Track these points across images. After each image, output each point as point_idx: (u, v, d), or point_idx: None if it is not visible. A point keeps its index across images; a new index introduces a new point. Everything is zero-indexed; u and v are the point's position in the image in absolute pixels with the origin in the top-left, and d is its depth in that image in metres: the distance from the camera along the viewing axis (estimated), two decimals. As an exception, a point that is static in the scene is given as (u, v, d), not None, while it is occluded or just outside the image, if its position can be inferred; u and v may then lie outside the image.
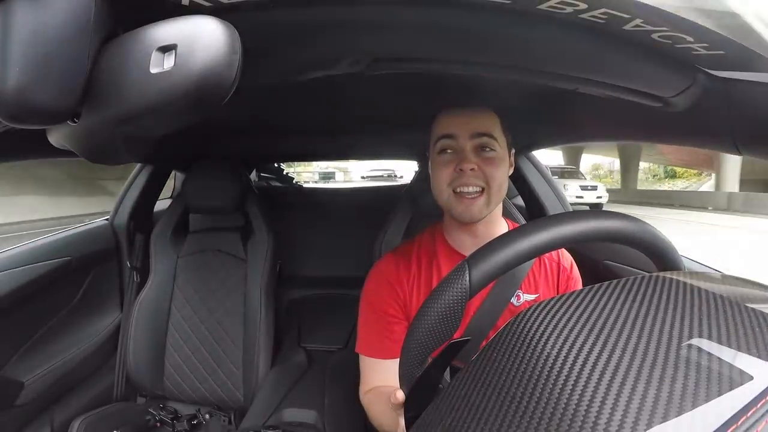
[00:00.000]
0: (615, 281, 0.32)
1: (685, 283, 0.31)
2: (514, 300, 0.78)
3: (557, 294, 0.81)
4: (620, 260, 1.10)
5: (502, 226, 0.81)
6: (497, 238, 0.43)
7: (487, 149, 0.72)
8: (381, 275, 0.81)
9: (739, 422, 0.19)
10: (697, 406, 0.20)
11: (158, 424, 1.31)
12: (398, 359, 0.78)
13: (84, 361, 1.28)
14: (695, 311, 0.27)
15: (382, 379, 0.77)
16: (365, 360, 0.80)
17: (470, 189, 0.70)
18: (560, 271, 0.82)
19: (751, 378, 0.21)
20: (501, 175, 0.73)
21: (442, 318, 0.40)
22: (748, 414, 0.19)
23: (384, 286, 0.80)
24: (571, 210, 1.39)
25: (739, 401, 0.20)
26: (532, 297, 0.80)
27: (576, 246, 0.51)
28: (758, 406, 0.20)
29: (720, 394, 0.21)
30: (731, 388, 0.21)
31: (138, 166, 1.54)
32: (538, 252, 0.42)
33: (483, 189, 0.71)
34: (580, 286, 0.84)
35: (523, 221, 1.12)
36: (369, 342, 0.80)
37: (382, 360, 0.78)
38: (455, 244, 0.80)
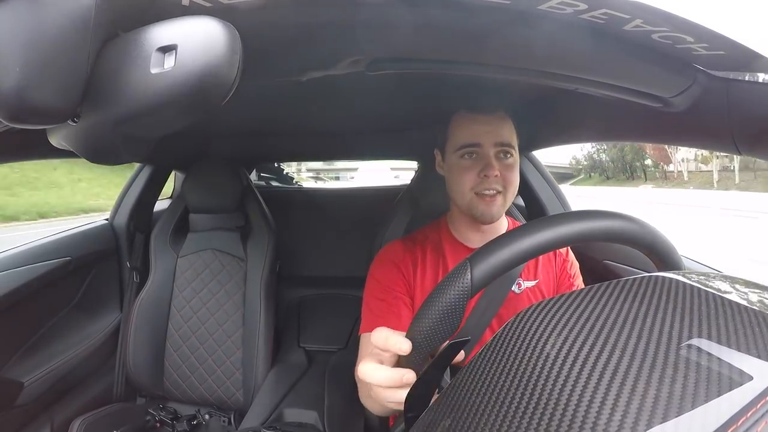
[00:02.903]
0: (615, 281, 0.32)
1: (684, 284, 0.31)
2: (515, 288, 0.80)
3: (556, 279, 0.83)
4: (620, 260, 1.10)
5: (504, 223, 0.85)
6: (499, 237, 0.43)
7: (508, 156, 0.76)
8: (387, 257, 0.83)
9: (739, 422, 0.19)
10: (696, 407, 0.20)
11: (158, 425, 1.31)
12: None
13: (84, 361, 1.27)
14: (695, 311, 0.27)
15: None
16: (364, 337, 0.78)
17: (491, 191, 0.74)
18: (556, 255, 0.84)
19: (751, 378, 0.21)
20: (516, 179, 0.77)
21: (444, 316, 0.40)
22: (748, 414, 0.19)
23: (390, 266, 0.81)
24: (571, 210, 1.39)
25: (739, 401, 0.20)
26: (532, 283, 0.81)
27: (576, 245, 0.51)
28: (758, 406, 0.20)
29: (720, 394, 0.20)
30: (731, 389, 0.21)
31: (138, 166, 1.54)
32: (540, 251, 0.42)
33: (500, 191, 0.75)
34: (577, 268, 0.86)
35: (522, 220, 1.13)
36: (371, 320, 0.79)
37: None
38: (461, 237, 0.83)
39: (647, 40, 0.41)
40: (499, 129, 0.75)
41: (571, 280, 0.84)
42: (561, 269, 0.84)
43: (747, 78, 0.50)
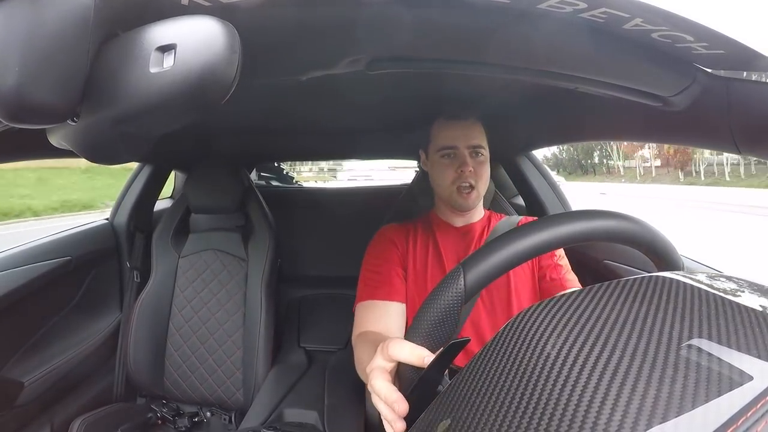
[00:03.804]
0: (615, 281, 0.32)
1: (684, 284, 0.31)
2: None
3: (538, 259, 0.89)
4: (620, 260, 1.10)
5: (479, 211, 0.98)
6: (493, 240, 0.42)
7: (480, 155, 0.90)
8: (382, 235, 0.94)
9: (739, 422, 0.19)
10: (696, 407, 0.20)
11: (159, 422, 1.31)
12: (394, 302, 0.82)
13: (84, 361, 1.27)
14: (695, 312, 0.27)
15: (375, 318, 0.81)
16: (360, 306, 0.84)
17: (466, 184, 0.88)
18: None
19: (751, 378, 0.21)
20: (487, 173, 0.92)
21: (438, 323, 0.40)
22: (748, 414, 0.19)
23: (384, 242, 0.93)
24: (572, 210, 1.39)
25: (739, 401, 0.20)
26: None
27: (574, 246, 0.51)
28: (758, 406, 0.20)
29: (720, 394, 0.20)
30: (731, 389, 0.21)
31: (138, 165, 1.54)
32: (535, 253, 0.42)
33: (474, 185, 0.88)
34: (562, 251, 0.93)
35: (513, 213, 1.14)
36: (365, 291, 0.85)
37: (377, 301, 0.83)
38: (447, 219, 0.96)
39: (647, 39, 0.41)
40: (471, 133, 0.89)
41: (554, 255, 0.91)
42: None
43: (747, 77, 0.50)
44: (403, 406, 0.40)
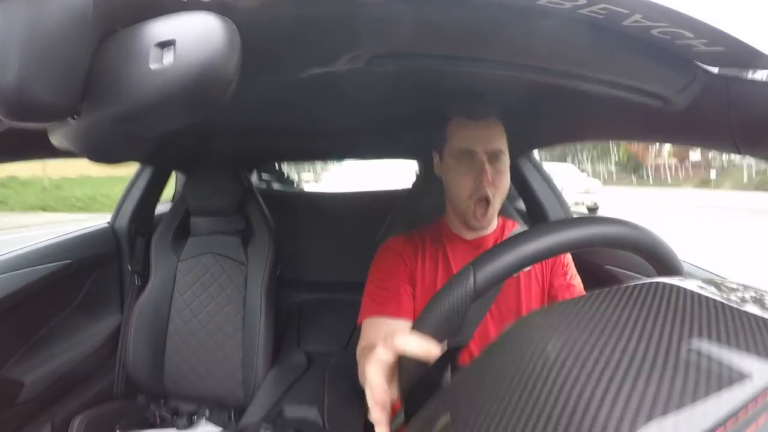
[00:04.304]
0: (616, 288, 0.32)
1: (685, 289, 0.31)
2: None
3: (551, 266, 0.87)
4: (621, 265, 1.10)
5: (494, 221, 0.90)
6: (502, 242, 0.43)
7: (500, 160, 0.82)
8: (389, 248, 0.88)
9: (739, 417, 0.19)
10: (696, 402, 0.20)
11: (159, 420, 1.30)
12: (401, 319, 0.80)
13: (83, 363, 1.27)
14: (695, 316, 0.27)
15: (382, 335, 0.78)
16: (366, 321, 0.81)
17: (483, 198, 0.80)
18: None
19: (751, 377, 0.21)
20: (506, 183, 0.83)
21: (445, 319, 0.41)
22: (747, 409, 0.20)
23: (392, 256, 0.87)
24: (571, 213, 1.40)
25: (738, 398, 0.20)
26: (527, 268, 0.86)
27: (578, 251, 0.51)
28: (758, 401, 0.20)
29: (719, 391, 0.21)
30: (730, 386, 0.21)
31: (138, 168, 1.54)
32: (541, 257, 0.43)
33: (491, 199, 0.80)
34: (570, 257, 0.89)
35: (516, 216, 1.14)
36: (371, 306, 0.82)
37: (384, 318, 0.79)
38: (457, 231, 0.89)
39: (647, 36, 0.41)
40: (491, 135, 0.81)
41: (564, 268, 0.87)
42: (554, 259, 0.86)
43: (747, 76, 0.50)
44: (385, 398, 0.42)
